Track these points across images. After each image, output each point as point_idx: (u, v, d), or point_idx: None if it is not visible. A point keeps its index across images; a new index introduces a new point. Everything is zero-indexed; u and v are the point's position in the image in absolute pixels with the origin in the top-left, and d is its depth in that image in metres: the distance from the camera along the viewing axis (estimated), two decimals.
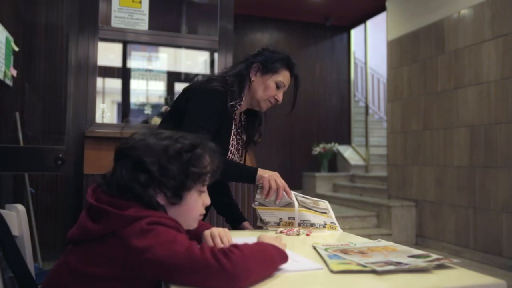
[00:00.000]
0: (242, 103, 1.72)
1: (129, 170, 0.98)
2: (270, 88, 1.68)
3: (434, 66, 4.68)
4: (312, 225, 1.57)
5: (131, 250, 0.88)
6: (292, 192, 1.57)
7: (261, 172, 1.55)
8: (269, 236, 1.09)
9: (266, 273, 0.91)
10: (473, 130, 4.15)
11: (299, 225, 1.57)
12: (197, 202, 1.06)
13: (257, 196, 1.57)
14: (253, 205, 1.60)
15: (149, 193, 0.98)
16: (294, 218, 1.57)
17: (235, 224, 1.83)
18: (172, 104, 1.77)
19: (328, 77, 7.45)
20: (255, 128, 1.83)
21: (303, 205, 1.59)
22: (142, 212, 0.94)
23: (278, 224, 1.58)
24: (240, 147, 1.79)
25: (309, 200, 1.61)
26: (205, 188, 1.08)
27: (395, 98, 5.33)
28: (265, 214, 1.59)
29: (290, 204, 1.57)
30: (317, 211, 1.59)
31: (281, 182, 1.54)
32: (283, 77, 1.70)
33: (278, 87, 1.70)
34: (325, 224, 1.57)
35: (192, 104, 1.61)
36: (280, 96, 1.72)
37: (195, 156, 1.02)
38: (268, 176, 1.53)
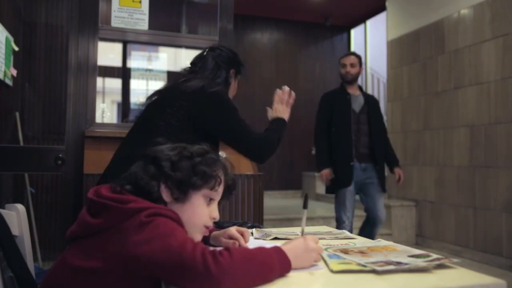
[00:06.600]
0: None
1: (141, 166, 1.03)
2: (235, 89, 1.90)
3: (434, 66, 4.68)
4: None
5: (126, 244, 0.88)
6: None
7: None
8: (311, 237, 1.01)
9: (256, 281, 0.85)
10: (473, 130, 4.15)
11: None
12: (203, 209, 1.05)
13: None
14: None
15: (153, 184, 1.00)
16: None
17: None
18: (169, 101, 1.64)
19: (328, 77, 7.44)
20: None
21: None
22: (141, 204, 0.94)
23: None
24: None
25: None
26: (215, 197, 1.07)
27: (395, 98, 5.33)
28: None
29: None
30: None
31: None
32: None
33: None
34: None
35: (223, 112, 1.67)
36: None
37: (207, 158, 1.05)
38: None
